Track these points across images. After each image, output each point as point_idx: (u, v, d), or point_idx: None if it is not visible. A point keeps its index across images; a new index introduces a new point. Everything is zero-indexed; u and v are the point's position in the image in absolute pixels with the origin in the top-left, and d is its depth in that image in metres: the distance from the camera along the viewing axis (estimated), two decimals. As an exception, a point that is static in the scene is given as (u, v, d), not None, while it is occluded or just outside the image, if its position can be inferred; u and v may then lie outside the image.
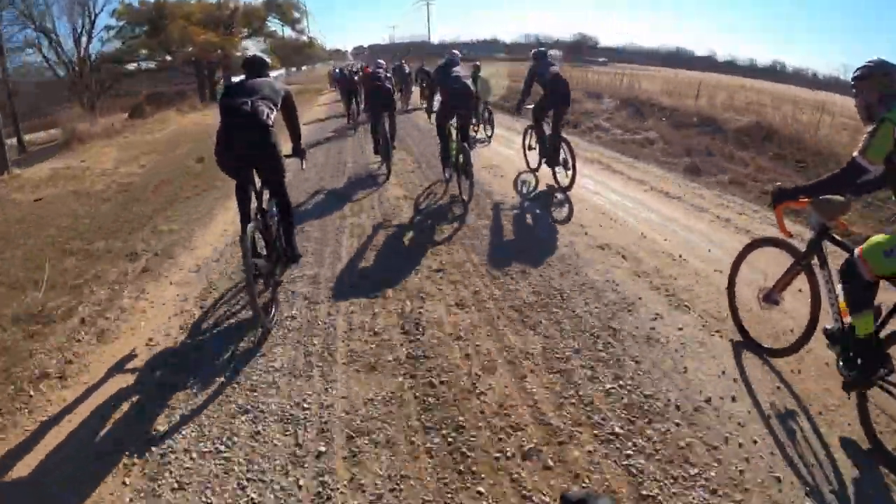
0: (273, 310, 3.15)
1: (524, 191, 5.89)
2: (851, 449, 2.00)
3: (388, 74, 6.93)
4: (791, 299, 2.66)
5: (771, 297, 2.53)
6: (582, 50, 48.09)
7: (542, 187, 5.96)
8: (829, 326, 2.19)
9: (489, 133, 9.04)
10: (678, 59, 45.83)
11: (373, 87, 6.69)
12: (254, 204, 3.13)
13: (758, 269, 2.73)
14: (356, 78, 11.56)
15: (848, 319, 2.05)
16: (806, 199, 2.18)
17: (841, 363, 2.10)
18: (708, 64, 42.10)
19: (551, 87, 5.46)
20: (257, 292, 2.86)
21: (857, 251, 1.95)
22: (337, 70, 16.01)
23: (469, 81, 5.16)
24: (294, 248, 3.38)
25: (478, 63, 9.90)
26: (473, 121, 8.41)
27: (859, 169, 1.90)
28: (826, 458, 1.96)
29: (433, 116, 5.48)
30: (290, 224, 3.34)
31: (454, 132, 5.26)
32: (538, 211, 5.20)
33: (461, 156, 5.13)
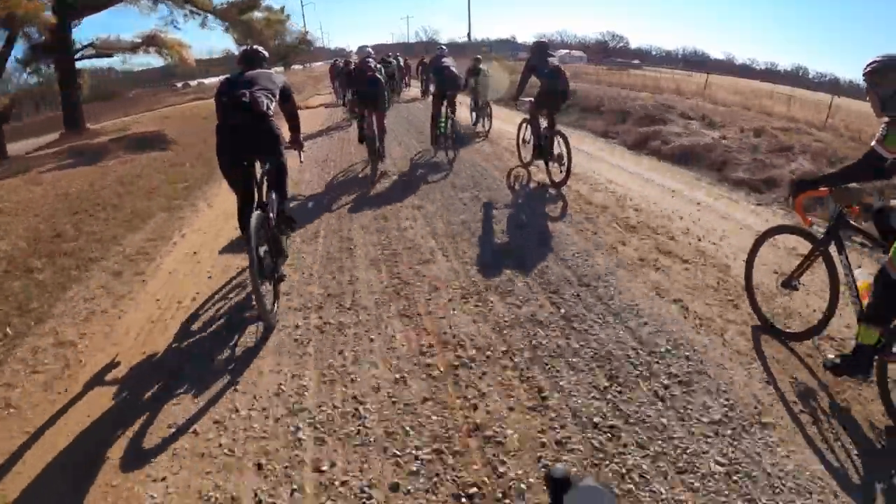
0: (276, 305, 3.14)
1: (516, 186, 5.75)
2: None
3: (379, 66, 6.60)
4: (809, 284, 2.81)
5: (789, 283, 2.66)
6: (610, 51, 47.07)
7: (533, 183, 5.86)
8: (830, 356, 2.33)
9: (487, 128, 8.93)
10: (699, 62, 45.69)
11: (363, 78, 6.30)
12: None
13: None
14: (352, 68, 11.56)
15: (866, 302, 2.19)
16: (825, 189, 2.35)
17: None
18: (729, 68, 42.07)
19: (549, 79, 5.43)
20: (260, 286, 2.90)
21: (885, 260, 2.09)
22: (334, 60, 17.14)
23: (454, 69, 7.02)
24: (288, 216, 3.53)
25: (478, 57, 9.91)
26: (474, 115, 9.42)
27: (878, 158, 2.08)
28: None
29: (430, 97, 7.42)
30: (285, 202, 3.44)
31: (444, 108, 6.98)
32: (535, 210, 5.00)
33: (449, 124, 6.98)
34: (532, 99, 5.79)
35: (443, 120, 6.98)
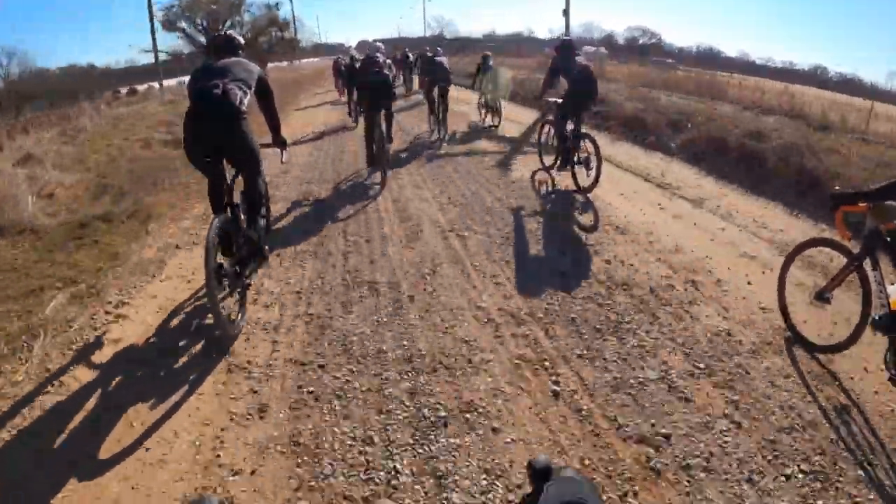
0: (240, 316, 3.09)
1: (542, 191, 5.94)
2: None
3: (388, 61, 6.53)
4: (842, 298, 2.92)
5: (822, 296, 2.82)
6: (640, 48, 44.94)
7: (559, 188, 6.04)
8: (877, 316, 2.40)
9: (496, 122, 9.85)
10: (714, 60, 45.72)
11: (370, 73, 6.17)
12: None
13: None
14: (357, 65, 11.68)
15: None
16: (863, 204, 2.47)
17: (889, 356, 2.33)
18: (743, 66, 42.22)
19: (576, 83, 5.55)
20: (221, 296, 2.81)
21: None
22: (336, 57, 17.33)
23: (446, 65, 8.88)
24: (262, 247, 3.31)
25: (487, 53, 10.53)
26: (483, 111, 10.43)
27: None
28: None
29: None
30: (258, 218, 3.29)
31: (437, 97, 8.78)
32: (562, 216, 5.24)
33: (441, 111, 8.80)
34: (556, 100, 5.88)
35: (437, 105, 8.84)
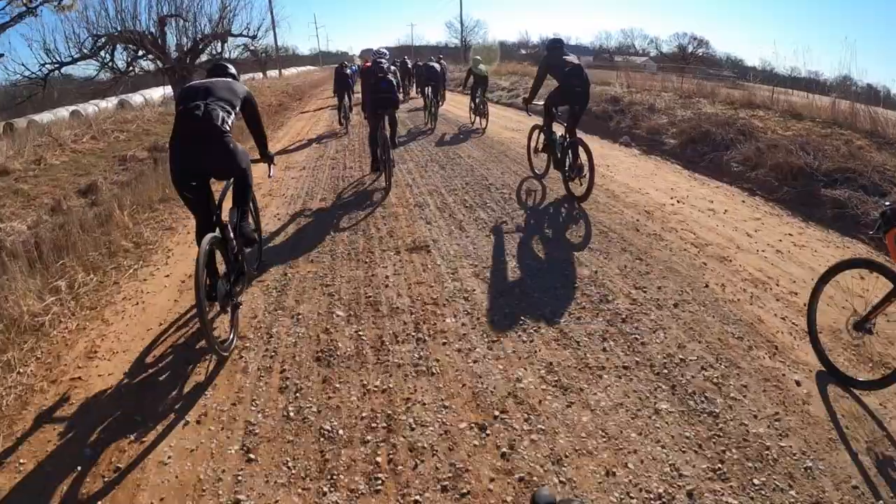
0: (231, 335, 3.11)
1: (529, 202, 5.51)
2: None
3: (393, 67, 6.54)
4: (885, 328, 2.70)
5: (863, 326, 2.55)
6: (688, 57, 40.92)
7: (549, 198, 5.63)
8: None
9: (483, 125, 10.48)
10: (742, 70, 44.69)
11: (374, 80, 6.16)
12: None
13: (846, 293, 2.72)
14: (348, 71, 11.69)
15: None
16: None
17: None
18: (779, 79, 41.21)
19: (567, 79, 5.25)
20: (211, 316, 2.87)
21: None
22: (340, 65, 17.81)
23: (436, 69, 11.17)
24: (249, 235, 3.40)
25: (477, 58, 11.35)
26: (472, 115, 11.12)
27: None
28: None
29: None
30: (250, 233, 3.41)
31: (429, 95, 11.02)
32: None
33: (433, 106, 11.00)
34: (540, 102, 5.58)
35: (429, 101, 11.03)
